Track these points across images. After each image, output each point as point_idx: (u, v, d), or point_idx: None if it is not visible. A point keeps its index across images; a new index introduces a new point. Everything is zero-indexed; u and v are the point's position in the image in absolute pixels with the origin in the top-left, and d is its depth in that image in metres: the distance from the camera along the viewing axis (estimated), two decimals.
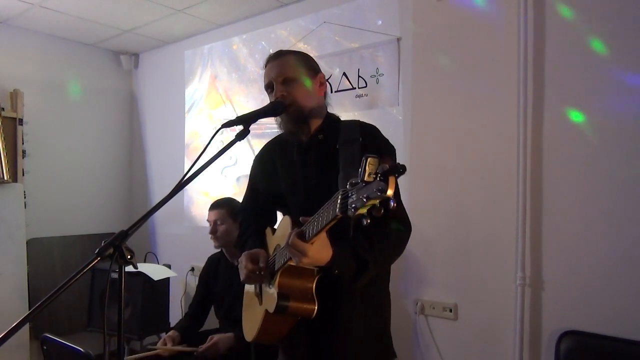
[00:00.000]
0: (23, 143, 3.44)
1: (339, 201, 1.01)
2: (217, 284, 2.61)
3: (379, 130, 1.51)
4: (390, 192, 0.90)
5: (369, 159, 0.94)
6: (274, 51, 1.57)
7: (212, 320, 2.70)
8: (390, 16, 2.62)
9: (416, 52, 2.51)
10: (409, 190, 2.41)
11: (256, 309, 1.54)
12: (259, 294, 1.55)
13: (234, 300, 2.49)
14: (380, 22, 2.65)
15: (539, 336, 2.09)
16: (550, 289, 2.08)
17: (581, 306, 1.99)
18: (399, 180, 0.95)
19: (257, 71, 3.30)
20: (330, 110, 1.60)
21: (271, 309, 1.36)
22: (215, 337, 2.31)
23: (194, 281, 3.00)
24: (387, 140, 1.50)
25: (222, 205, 2.58)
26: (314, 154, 1.50)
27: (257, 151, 1.77)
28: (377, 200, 0.91)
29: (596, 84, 1.99)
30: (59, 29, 3.60)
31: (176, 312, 3.17)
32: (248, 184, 1.75)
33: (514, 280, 2.14)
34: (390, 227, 1.37)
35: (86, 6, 3.17)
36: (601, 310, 1.94)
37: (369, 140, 1.42)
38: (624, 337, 1.87)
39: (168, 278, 3.12)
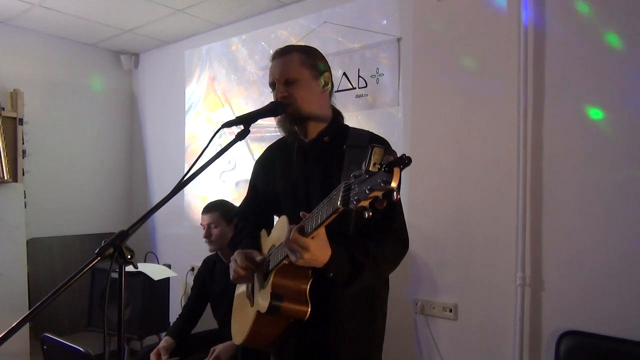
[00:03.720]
0: (23, 143, 3.44)
1: (340, 193, 0.99)
2: (214, 286, 2.60)
3: (389, 144, 1.48)
4: (394, 183, 0.89)
5: (375, 149, 0.93)
6: (279, 48, 1.54)
7: (210, 321, 2.69)
8: (391, 16, 2.62)
9: (416, 52, 2.51)
10: (409, 190, 2.41)
11: (247, 311, 1.51)
12: (251, 296, 1.52)
13: (232, 301, 2.48)
14: (382, 22, 2.65)
15: (539, 336, 2.09)
16: (550, 289, 2.08)
17: (581, 306, 1.99)
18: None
19: (256, 72, 3.29)
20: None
21: (263, 310, 1.33)
22: (217, 349, 2.27)
23: None
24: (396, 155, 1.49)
25: (215, 208, 2.54)
26: (317, 155, 1.49)
27: (256, 155, 1.76)
28: (381, 192, 0.90)
29: (596, 83, 1.99)
30: (59, 29, 3.60)
31: (176, 312, 3.15)
32: (249, 187, 1.74)
33: (514, 280, 2.14)
34: (387, 242, 1.37)
35: (86, 6, 3.17)
36: (601, 310, 1.94)
37: None
38: (624, 337, 1.87)
39: (168, 278, 3.12)
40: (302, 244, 1.18)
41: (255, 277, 1.50)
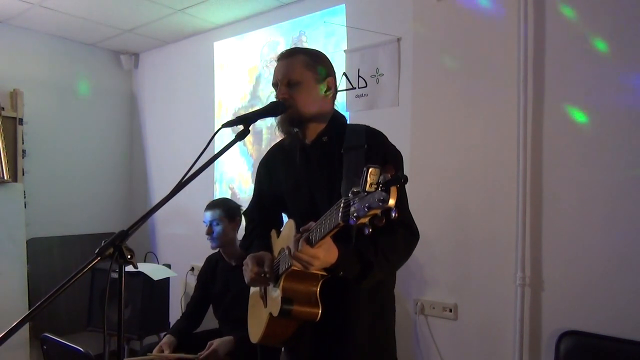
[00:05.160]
0: (23, 143, 3.44)
1: (341, 209, 1.00)
2: (215, 285, 2.61)
3: (385, 137, 1.49)
4: (392, 202, 0.89)
5: (370, 170, 0.93)
6: (286, 49, 1.55)
7: (210, 320, 2.70)
8: (391, 16, 2.62)
9: (416, 52, 2.51)
10: (409, 191, 2.40)
11: (261, 311, 1.54)
12: (264, 296, 1.55)
13: (233, 301, 2.49)
14: (382, 22, 2.65)
15: (539, 336, 2.09)
16: (550, 289, 2.08)
17: (581, 306, 1.99)
18: (406, 186, 0.94)
19: (256, 72, 3.30)
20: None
21: (275, 313, 1.36)
22: (215, 342, 2.29)
23: (193, 281, 3.00)
24: (394, 147, 1.49)
25: (218, 206, 2.57)
26: (318, 156, 1.50)
27: (256, 156, 1.76)
28: (379, 210, 0.91)
29: (596, 84, 1.99)
30: (59, 29, 3.60)
31: (176, 312, 3.17)
32: (254, 188, 1.75)
33: (514, 280, 2.13)
34: (397, 234, 1.37)
35: (86, 6, 3.17)
36: (601, 310, 1.94)
37: (374, 147, 1.41)
38: (624, 337, 1.87)
39: (168, 278, 3.12)
40: (311, 254, 1.20)
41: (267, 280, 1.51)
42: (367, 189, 0.92)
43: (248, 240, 1.67)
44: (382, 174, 0.92)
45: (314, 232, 1.19)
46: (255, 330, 1.56)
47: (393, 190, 0.90)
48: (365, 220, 0.94)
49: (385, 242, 1.34)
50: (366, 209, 0.91)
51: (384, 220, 0.92)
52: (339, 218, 1.01)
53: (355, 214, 0.94)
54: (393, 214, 0.91)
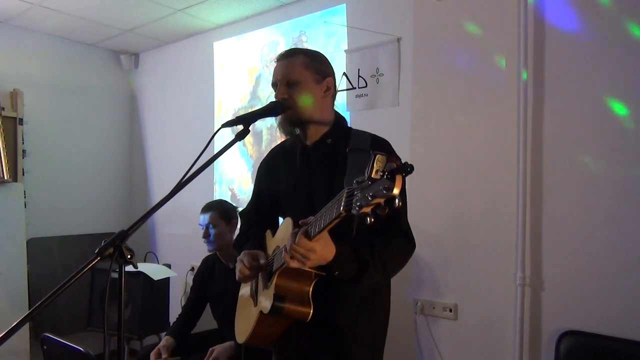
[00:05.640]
0: (23, 143, 3.45)
1: (343, 199, 1.00)
2: (213, 286, 2.59)
3: (391, 147, 1.50)
4: (396, 190, 0.90)
5: (377, 156, 0.93)
6: (285, 50, 1.55)
7: (209, 321, 2.69)
8: (391, 16, 2.62)
9: (416, 52, 2.51)
10: (409, 190, 2.40)
11: (250, 311, 1.53)
12: (255, 296, 1.54)
13: (232, 301, 2.48)
14: (382, 22, 2.65)
15: (539, 336, 2.09)
16: (550, 289, 2.08)
17: (581, 306, 1.99)
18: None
19: (256, 72, 3.30)
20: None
21: (266, 310, 1.35)
22: (216, 350, 2.28)
23: None
24: (399, 157, 1.50)
25: (213, 208, 2.54)
26: (320, 156, 1.50)
27: (256, 157, 1.76)
28: (383, 199, 0.91)
29: (596, 84, 1.99)
30: (59, 29, 3.60)
31: (176, 312, 3.15)
32: (254, 188, 1.75)
33: (514, 280, 2.14)
34: (394, 241, 1.38)
35: (86, 6, 3.17)
36: (601, 310, 1.94)
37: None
38: (624, 337, 1.87)
39: (168, 278, 3.12)
40: (309, 247, 1.19)
41: (259, 278, 1.51)
42: (372, 176, 0.92)
43: (242, 239, 1.66)
44: (388, 163, 0.92)
45: (312, 225, 1.18)
46: (243, 329, 1.54)
47: (398, 178, 0.90)
48: (368, 209, 0.93)
49: (382, 246, 1.34)
50: (370, 198, 0.91)
51: (386, 210, 0.92)
52: (341, 208, 1.00)
53: (358, 203, 0.93)
54: (397, 203, 0.91)
